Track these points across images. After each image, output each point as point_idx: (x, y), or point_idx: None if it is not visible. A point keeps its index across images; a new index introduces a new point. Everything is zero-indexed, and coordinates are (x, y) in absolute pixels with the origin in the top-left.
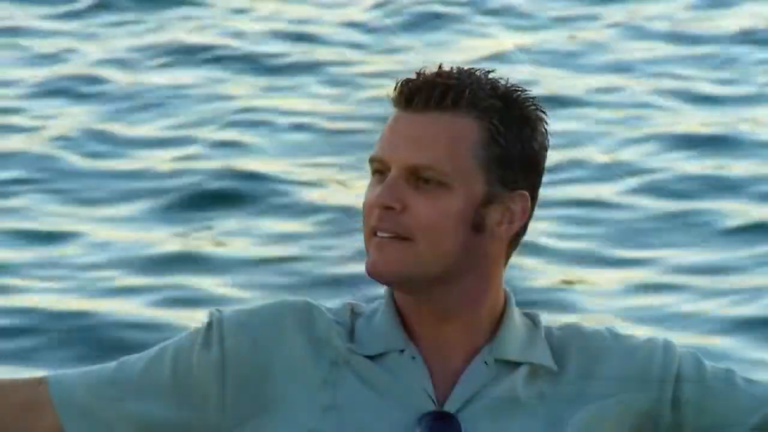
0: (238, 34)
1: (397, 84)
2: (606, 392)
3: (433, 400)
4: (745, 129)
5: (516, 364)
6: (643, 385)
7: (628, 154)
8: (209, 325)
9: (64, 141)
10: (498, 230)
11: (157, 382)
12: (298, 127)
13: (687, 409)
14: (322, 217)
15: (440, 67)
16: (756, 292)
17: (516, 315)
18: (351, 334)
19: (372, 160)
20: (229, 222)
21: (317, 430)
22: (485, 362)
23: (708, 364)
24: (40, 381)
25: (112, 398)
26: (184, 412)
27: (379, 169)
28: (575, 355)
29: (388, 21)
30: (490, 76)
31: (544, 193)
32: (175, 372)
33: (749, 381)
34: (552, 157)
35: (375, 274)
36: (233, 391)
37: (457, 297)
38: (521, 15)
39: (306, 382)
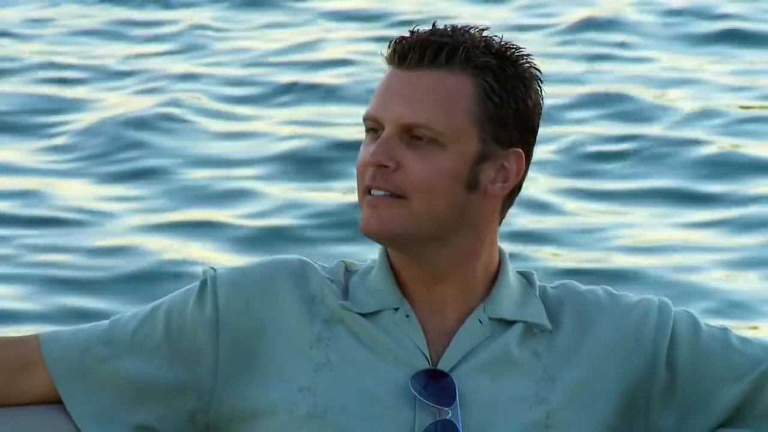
0: None
1: (390, 42)
2: (600, 351)
3: (427, 359)
4: None
5: (510, 323)
6: (637, 344)
7: None
8: (203, 283)
9: None
10: (492, 188)
11: (150, 341)
12: None
13: (681, 369)
14: None
15: (434, 25)
16: None
17: (511, 274)
18: (345, 292)
19: (366, 119)
20: None
21: (310, 388)
22: (479, 321)
23: (703, 323)
24: (32, 339)
25: (104, 357)
26: (176, 371)
27: (373, 128)
28: (570, 313)
29: None
30: (485, 34)
31: None
32: (168, 331)
33: (744, 340)
34: None
35: (368, 233)
36: (226, 350)
37: (450, 255)
38: None
39: (299, 340)
